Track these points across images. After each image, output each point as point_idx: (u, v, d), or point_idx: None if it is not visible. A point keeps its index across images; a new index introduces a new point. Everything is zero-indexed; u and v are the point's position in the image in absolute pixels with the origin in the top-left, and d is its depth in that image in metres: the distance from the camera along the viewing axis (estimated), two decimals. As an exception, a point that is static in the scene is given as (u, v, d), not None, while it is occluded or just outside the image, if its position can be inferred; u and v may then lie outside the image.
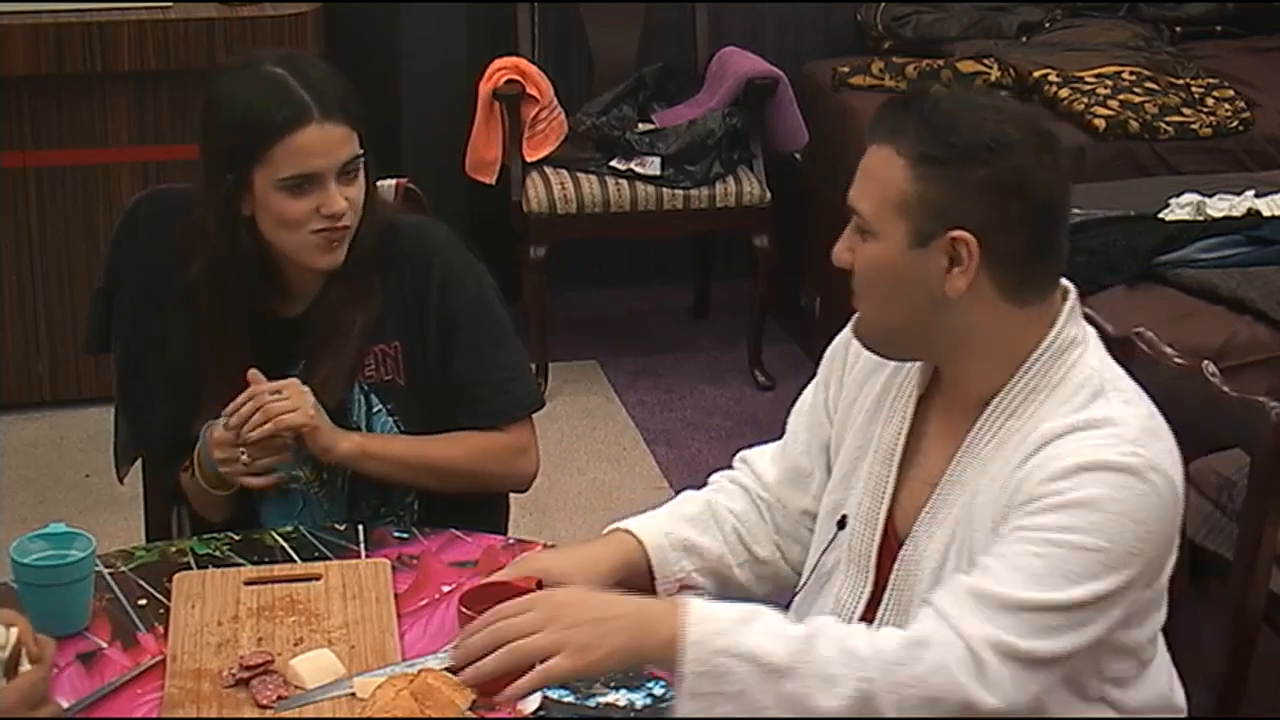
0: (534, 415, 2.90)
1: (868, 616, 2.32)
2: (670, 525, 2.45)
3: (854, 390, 2.41)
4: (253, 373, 2.67)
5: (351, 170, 2.69)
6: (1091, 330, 2.27)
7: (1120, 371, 2.25)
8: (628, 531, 2.43)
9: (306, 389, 2.69)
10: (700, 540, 2.44)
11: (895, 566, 2.30)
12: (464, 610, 2.24)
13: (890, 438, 2.33)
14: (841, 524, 2.37)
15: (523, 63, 5.15)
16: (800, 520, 2.50)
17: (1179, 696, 2.32)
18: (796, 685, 2.03)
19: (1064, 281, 2.28)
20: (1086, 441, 2.13)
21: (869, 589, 2.34)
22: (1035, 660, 2.08)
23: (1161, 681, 2.29)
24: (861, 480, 2.35)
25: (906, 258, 2.18)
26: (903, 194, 2.17)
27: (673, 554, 2.42)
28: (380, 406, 2.79)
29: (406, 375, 2.79)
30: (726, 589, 2.46)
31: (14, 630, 2.12)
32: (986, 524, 2.18)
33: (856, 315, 2.30)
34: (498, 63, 5.13)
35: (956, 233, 2.16)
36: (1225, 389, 2.43)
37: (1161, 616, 2.27)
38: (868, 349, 2.33)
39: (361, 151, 2.70)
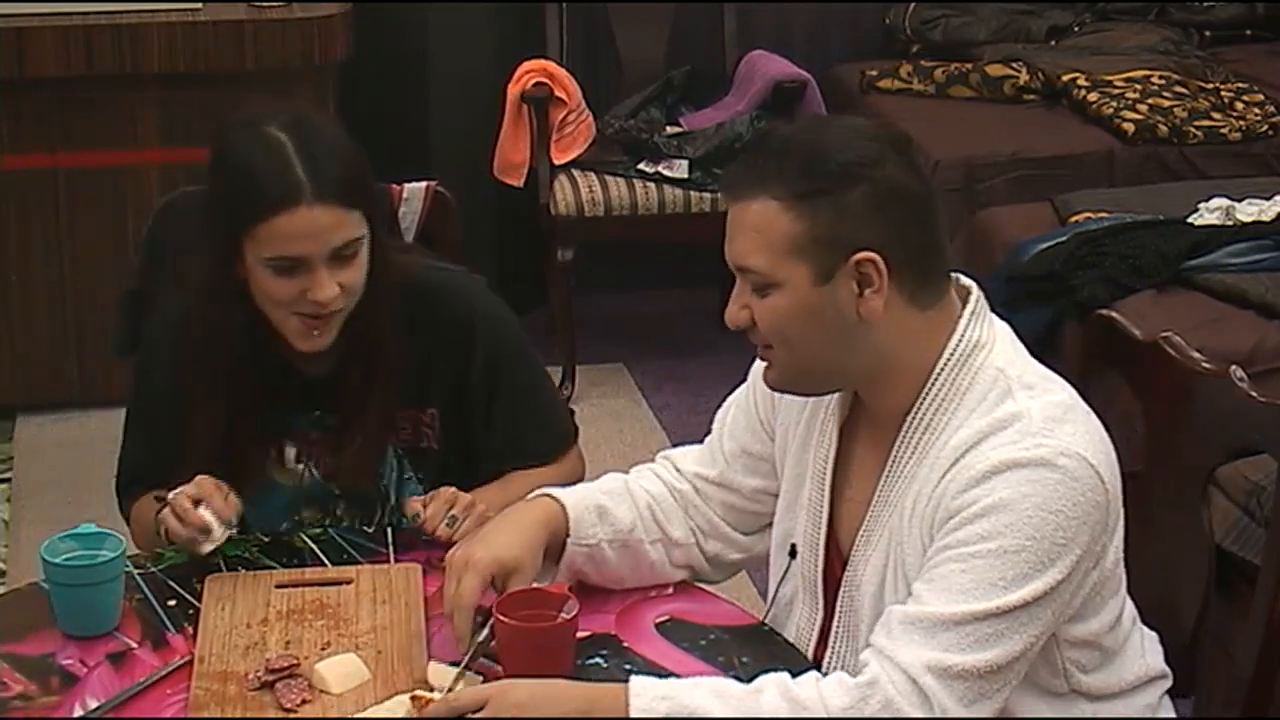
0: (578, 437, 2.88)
1: (821, 645, 2.33)
2: (585, 493, 2.46)
3: (788, 414, 2.41)
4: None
5: (348, 253, 2.55)
6: (1001, 327, 2.28)
7: (1030, 365, 2.25)
8: (550, 496, 2.44)
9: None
10: (613, 507, 2.45)
11: (840, 592, 2.31)
12: (500, 618, 2.25)
13: (821, 462, 2.34)
14: (793, 553, 2.39)
15: (551, 65, 5.15)
16: (725, 514, 2.51)
17: (1156, 666, 2.34)
18: None
19: (967, 281, 2.29)
20: (994, 445, 2.14)
21: (820, 616, 2.35)
22: (982, 672, 2.08)
23: (1136, 659, 2.31)
24: (804, 508, 2.37)
25: (815, 296, 2.17)
26: (791, 237, 2.15)
27: (588, 517, 2.43)
28: (411, 474, 2.75)
29: (442, 441, 2.74)
30: (638, 566, 2.47)
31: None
32: (918, 544, 2.19)
33: (764, 366, 2.28)
34: (526, 65, 5.13)
35: (859, 255, 2.15)
36: (1254, 394, 2.42)
37: (1119, 602, 2.28)
38: (785, 393, 2.33)
39: (361, 234, 2.56)
